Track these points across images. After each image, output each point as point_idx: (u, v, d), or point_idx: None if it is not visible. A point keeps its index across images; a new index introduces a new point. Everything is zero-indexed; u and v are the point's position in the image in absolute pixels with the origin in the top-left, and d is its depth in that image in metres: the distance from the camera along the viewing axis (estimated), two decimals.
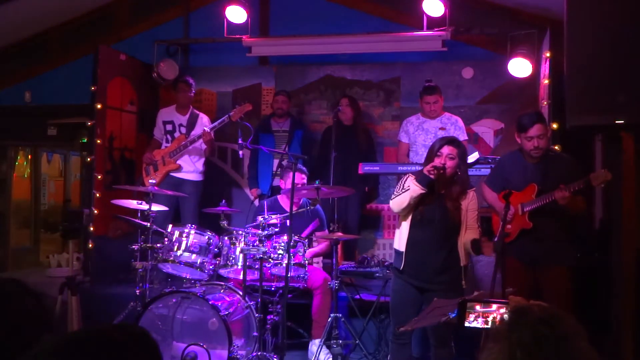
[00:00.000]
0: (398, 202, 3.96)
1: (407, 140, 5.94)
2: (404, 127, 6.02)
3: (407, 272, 3.94)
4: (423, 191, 3.85)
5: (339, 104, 6.19)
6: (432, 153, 3.96)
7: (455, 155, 3.91)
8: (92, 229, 6.12)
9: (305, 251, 4.70)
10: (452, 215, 3.89)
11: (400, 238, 4.01)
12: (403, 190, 3.94)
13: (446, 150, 3.91)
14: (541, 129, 4.04)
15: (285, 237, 4.52)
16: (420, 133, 5.87)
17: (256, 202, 6.14)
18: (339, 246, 5.19)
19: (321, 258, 5.45)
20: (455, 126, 5.86)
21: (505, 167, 4.33)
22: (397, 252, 4.02)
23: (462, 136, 5.86)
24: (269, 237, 4.55)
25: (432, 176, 3.83)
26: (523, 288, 3.75)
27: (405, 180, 3.99)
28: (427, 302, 3.83)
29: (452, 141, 4.01)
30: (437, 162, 3.87)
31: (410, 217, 3.97)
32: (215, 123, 6.00)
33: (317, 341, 4.68)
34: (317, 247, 5.22)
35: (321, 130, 6.74)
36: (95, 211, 6.13)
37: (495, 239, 4.36)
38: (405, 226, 3.99)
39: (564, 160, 4.22)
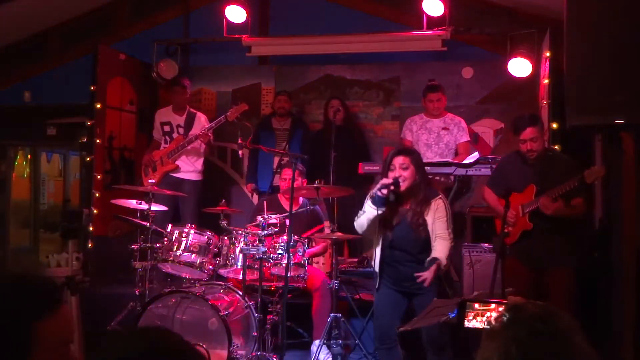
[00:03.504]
0: (359, 224, 3.85)
1: (411, 138, 5.94)
2: (407, 125, 6.02)
3: (386, 286, 3.90)
4: (379, 212, 3.71)
5: (330, 105, 6.23)
6: (386, 166, 3.80)
7: (408, 164, 3.75)
8: (91, 228, 6.13)
9: (304, 251, 4.69)
10: (418, 234, 3.74)
11: (375, 257, 3.92)
12: (362, 212, 3.82)
13: (398, 160, 3.76)
14: (533, 132, 4.06)
15: (285, 237, 4.51)
16: (423, 132, 5.88)
17: (255, 200, 6.14)
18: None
19: (322, 258, 5.45)
20: (458, 127, 5.87)
21: (505, 169, 4.35)
22: (374, 270, 3.96)
23: (465, 137, 5.87)
24: (268, 237, 4.54)
25: (383, 194, 3.66)
26: (523, 289, 3.75)
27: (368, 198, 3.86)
28: (419, 306, 3.77)
29: (402, 150, 3.87)
30: (390, 176, 3.72)
31: (380, 239, 3.86)
32: (212, 123, 6.01)
33: (317, 342, 4.68)
34: (316, 247, 5.21)
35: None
36: (95, 211, 6.14)
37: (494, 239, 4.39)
38: (377, 246, 3.89)
39: (563, 161, 4.25)
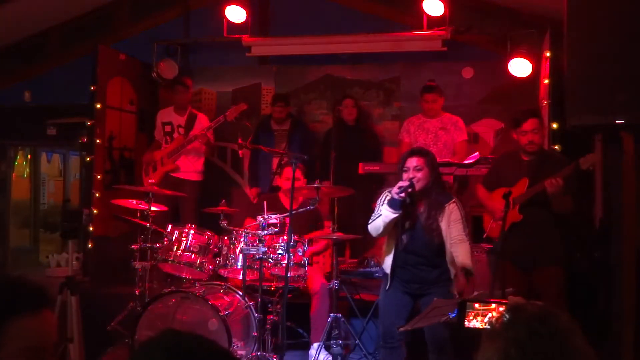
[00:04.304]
0: (374, 228, 3.82)
1: (408, 140, 5.95)
2: (405, 126, 6.03)
3: (394, 287, 3.90)
4: (396, 215, 3.68)
5: (340, 104, 6.19)
6: (400, 167, 3.79)
7: (422, 165, 3.72)
8: (91, 228, 6.13)
9: (304, 251, 4.69)
10: (431, 238, 3.72)
11: (386, 259, 3.91)
12: (377, 215, 3.79)
13: (412, 162, 3.74)
14: (535, 123, 4.11)
15: (285, 237, 4.51)
16: (421, 132, 5.89)
17: (255, 201, 6.13)
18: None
19: (322, 258, 5.44)
20: (455, 126, 5.88)
21: (500, 166, 4.41)
22: (384, 272, 3.96)
23: (462, 136, 5.89)
24: (269, 236, 4.53)
25: (402, 197, 3.65)
26: (519, 291, 3.75)
27: (383, 200, 3.81)
28: (424, 305, 3.78)
29: (417, 151, 3.83)
30: (405, 178, 3.70)
31: (393, 243, 3.84)
32: (211, 123, 6.03)
33: (315, 345, 4.67)
34: (316, 245, 5.20)
35: (321, 130, 6.74)
36: (95, 211, 6.14)
37: (484, 236, 4.42)
38: (389, 249, 3.89)
39: (557, 158, 4.31)
